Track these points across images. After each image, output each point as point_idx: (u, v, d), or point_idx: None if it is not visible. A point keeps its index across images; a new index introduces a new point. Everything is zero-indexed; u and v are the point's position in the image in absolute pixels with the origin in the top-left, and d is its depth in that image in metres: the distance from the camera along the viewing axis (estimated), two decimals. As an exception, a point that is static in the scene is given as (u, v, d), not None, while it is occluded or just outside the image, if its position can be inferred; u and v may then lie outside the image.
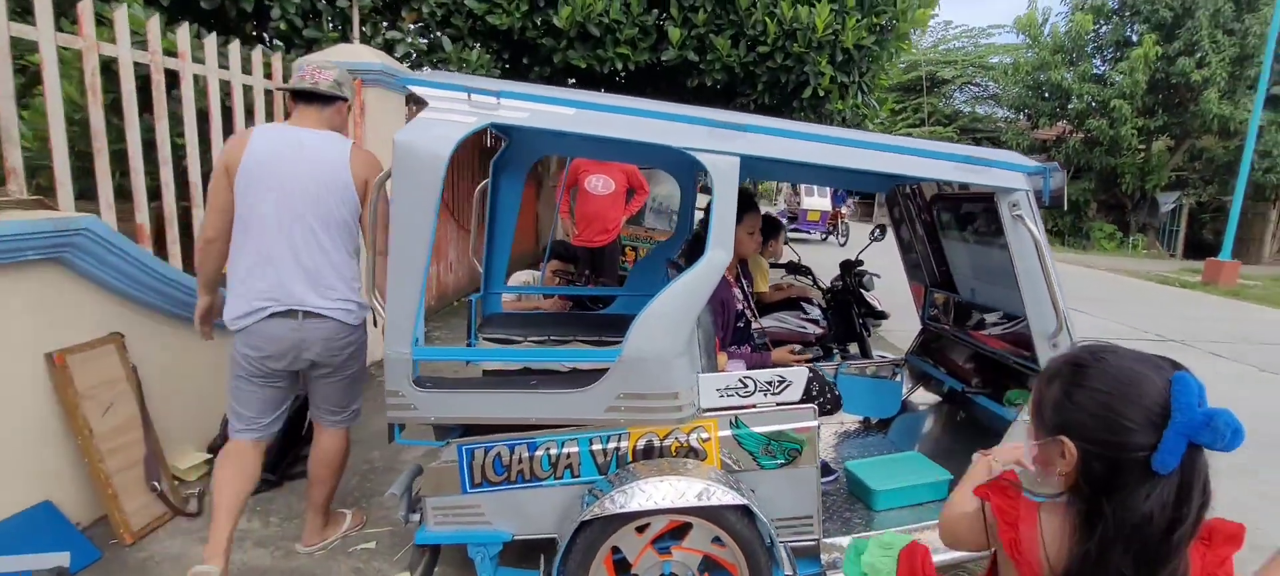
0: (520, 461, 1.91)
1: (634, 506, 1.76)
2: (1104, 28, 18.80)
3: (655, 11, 5.20)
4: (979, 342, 2.59)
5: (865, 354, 3.84)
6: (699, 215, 3.27)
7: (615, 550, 1.88)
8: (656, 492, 1.77)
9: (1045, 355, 2.11)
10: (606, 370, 1.85)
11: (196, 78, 2.98)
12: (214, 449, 2.91)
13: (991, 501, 1.03)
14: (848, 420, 3.15)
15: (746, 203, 2.43)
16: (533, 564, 2.10)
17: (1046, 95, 19.49)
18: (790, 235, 11.43)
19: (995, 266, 2.46)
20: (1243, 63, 16.04)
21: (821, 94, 5.29)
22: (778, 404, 1.99)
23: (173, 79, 2.91)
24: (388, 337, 1.78)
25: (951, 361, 2.80)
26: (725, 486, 1.82)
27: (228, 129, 3.17)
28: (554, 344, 2.71)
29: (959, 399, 2.97)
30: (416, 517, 2.02)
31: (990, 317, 2.56)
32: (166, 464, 2.57)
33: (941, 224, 2.79)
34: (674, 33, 5.06)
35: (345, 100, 2.23)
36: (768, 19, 4.94)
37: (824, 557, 2.06)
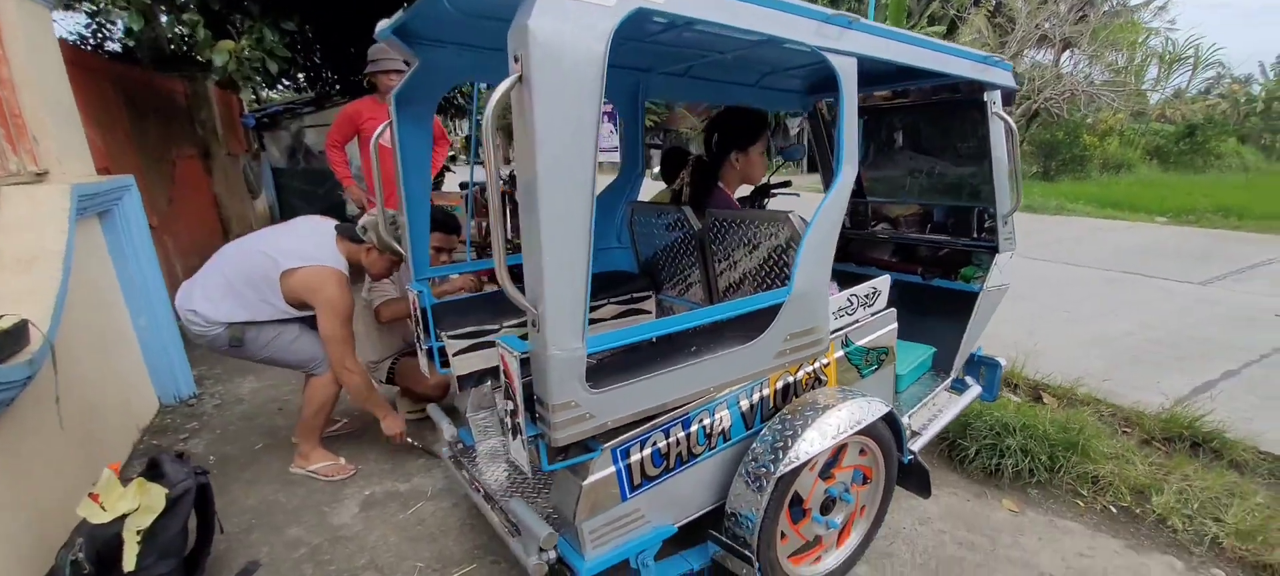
0: (677, 444, 1.68)
1: (827, 443, 1.72)
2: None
3: None
4: (924, 237, 3.00)
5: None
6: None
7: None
8: (838, 421, 1.76)
9: (1002, 232, 2.59)
10: (770, 314, 1.71)
11: None
12: None
13: None
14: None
15: (761, 124, 2.39)
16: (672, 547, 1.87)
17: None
18: None
19: (936, 164, 2.90)
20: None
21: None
22: (871, 315, 2.09)
23: None
24: (549, 332, 1.32)
25: (877, 259, 3.22)
26: (875, 399, 1.88)
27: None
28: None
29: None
30: (552, 555, 1.63)
31: (921, 212, 3.02)
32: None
33: (888, 131, 3.14)
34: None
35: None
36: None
37: None
